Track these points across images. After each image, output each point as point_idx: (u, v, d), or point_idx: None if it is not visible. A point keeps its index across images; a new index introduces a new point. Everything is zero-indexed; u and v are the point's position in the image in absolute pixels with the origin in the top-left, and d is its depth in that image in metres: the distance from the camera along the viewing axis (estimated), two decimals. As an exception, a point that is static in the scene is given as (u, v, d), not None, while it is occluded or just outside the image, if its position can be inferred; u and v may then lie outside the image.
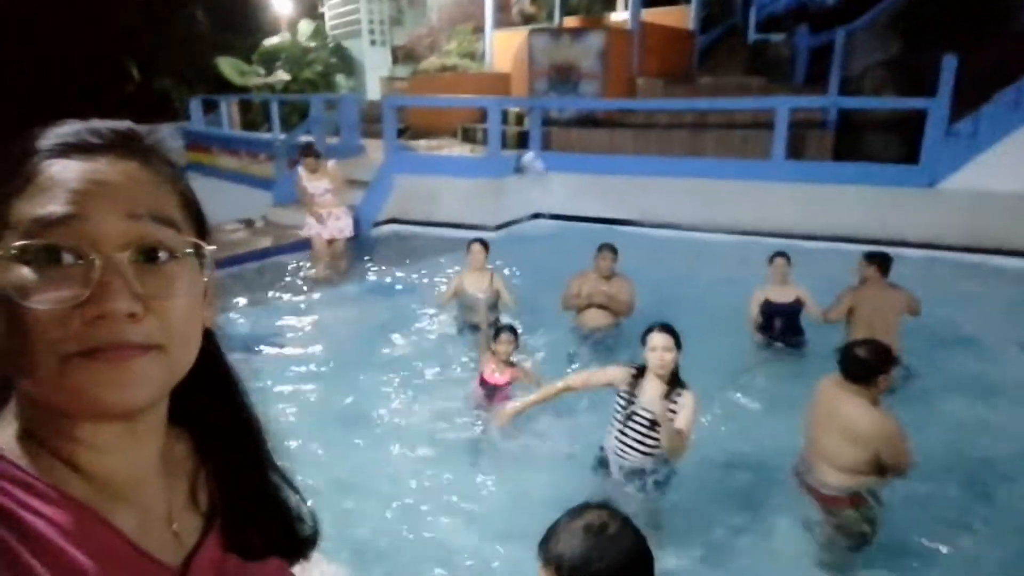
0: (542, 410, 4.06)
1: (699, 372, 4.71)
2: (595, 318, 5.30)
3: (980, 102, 7.80)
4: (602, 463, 3.30)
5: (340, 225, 6.96)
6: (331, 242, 6.98)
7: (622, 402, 3.18)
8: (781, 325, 5.15)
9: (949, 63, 7.64)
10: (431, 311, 5.89)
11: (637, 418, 3.12)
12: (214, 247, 0.62)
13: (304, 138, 10.26)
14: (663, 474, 3.21)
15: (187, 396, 0.64)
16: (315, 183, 6.81)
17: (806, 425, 3.20)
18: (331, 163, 6.99)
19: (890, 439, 2.88)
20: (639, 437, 3.12)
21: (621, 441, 3.17)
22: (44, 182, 0.54)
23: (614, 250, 5.21)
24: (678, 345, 3.08)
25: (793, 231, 7.97)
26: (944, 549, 3.16)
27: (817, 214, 8.26)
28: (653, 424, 3.05)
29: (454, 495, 3.58)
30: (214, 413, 0.71)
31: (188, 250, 0.59)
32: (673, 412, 3.05)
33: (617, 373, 3.25)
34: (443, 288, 5.74)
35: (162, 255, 0.57)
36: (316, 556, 2.31)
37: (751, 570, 3.11)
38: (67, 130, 0.57)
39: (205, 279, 0.62)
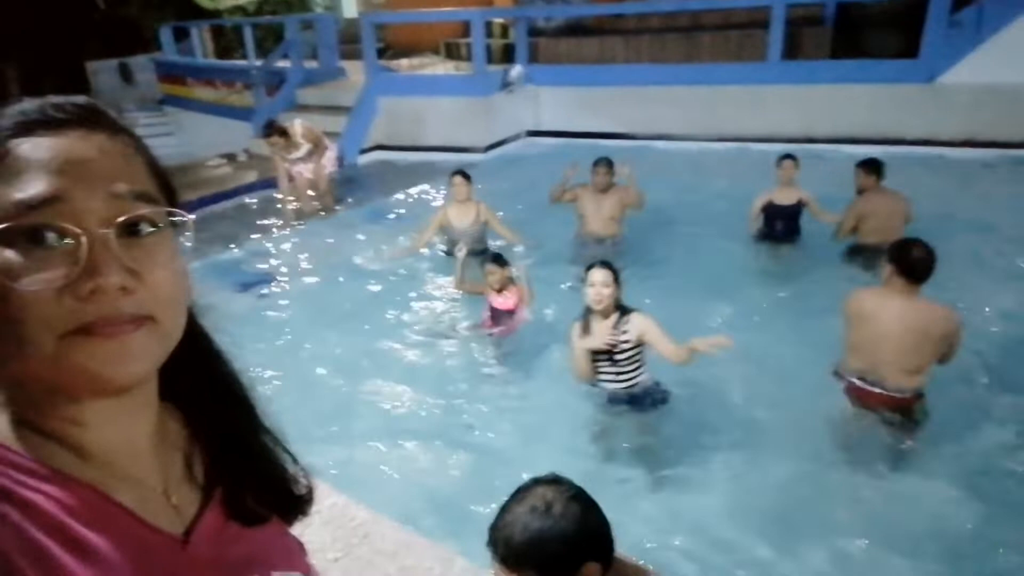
0: (553, 342, 4.09)
1: (702, 280, 4.90)
2: (598, 228, 5.38)
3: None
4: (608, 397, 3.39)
5: (319, 164, 6.63)
6: (313, 181, 6.70)
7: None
8: (782, 227, 5.30)
9: (953, -52, 7.28)
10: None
11: (600, 355, 3.21)
12: (192, 216, 0.62)
13: (280, 63, 9.87)
14: (659, 393, 3.30)
15: (173, 371, 0.64)
16: (293, 154, 6.42)
17: (866, 339, 3.16)
18: (297, 123, 6.54)
19: (959, 330, 3.03)
20: (611, 370, 3.23)
21: (603, 380, 3.29)
22: (16, 163, 0.54)
23: (610, 163, 5.28)
24: (617, 282, 3.13)
25: (792, 135, 7.79)
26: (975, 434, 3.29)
27: (815, 116, 8.06)
28: (610, 354, 3.16)
29: (454, 422, 3.62)
30: (200, 386, 0.71)
31: (168, 221, 0.60)
32: (624, 339, 3.13)
33: (574, 331, 3.27)
34: (420, 228, 5.49)
35: (143, 228, 0.57)
36: (324, 488, 2.35)
37: (784, 480, 3.13)
38: (28, 107, 0.57)
39: (185, 248, 0.62)
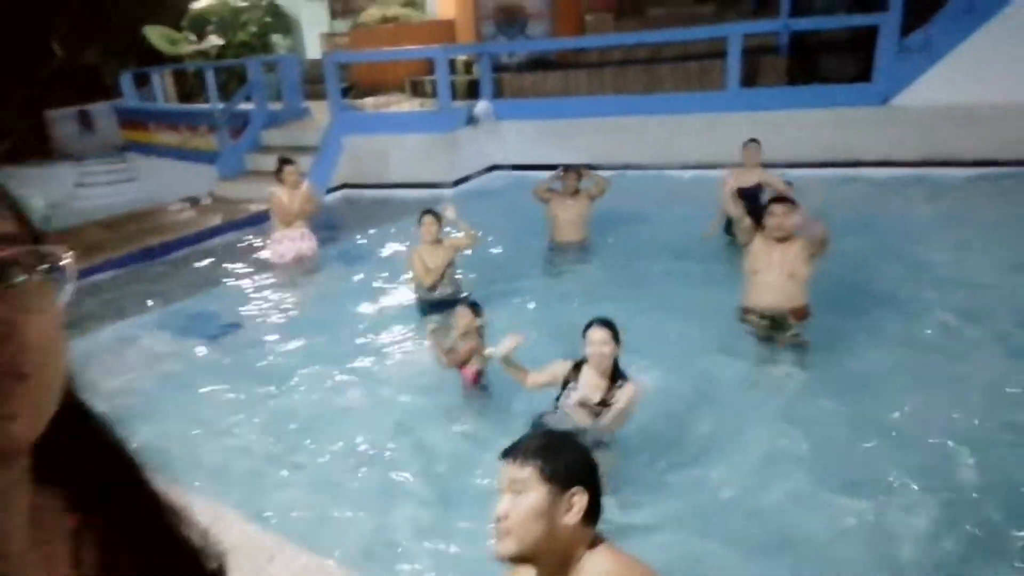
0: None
1: (663, 278, 5.31)
2: (569, 232, 5.90)
3: (934, 14, 7.72)
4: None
5: (303, 246, 6.32)
6: (296, 259, 6.36)
7: (562, 391, 3.21)
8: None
9: (900, -25, 7.53)
10: (389, 279, 5.75)
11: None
12: (70, 254, 0.54)
13: (243, 105, 9.83)
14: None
15: (49, 448, 0.55)
16: (291, 201, 6.19)
17: None
18: (307, 184, 6.43)
19: None
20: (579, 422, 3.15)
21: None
22: None
23: (578, 171, 5.86)
24: (616, 339, 3.06)
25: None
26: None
27: (773, 141, 8.17)
28: (592, 411, 3.08)
29: (419, 469, 3.47)
30: (83, 461, 0.62)
31: (42, 269, 0.52)
32: (608, 406, 3.07)
33: (557, 369, 3.24)
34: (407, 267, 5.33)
35: (11, 273, 0.50)
36: (293, 549, 2.21)
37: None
38: None
39: (63, 296, 0.53)
